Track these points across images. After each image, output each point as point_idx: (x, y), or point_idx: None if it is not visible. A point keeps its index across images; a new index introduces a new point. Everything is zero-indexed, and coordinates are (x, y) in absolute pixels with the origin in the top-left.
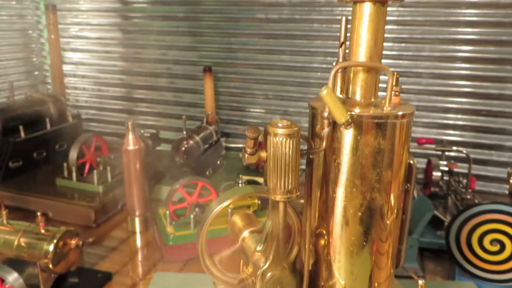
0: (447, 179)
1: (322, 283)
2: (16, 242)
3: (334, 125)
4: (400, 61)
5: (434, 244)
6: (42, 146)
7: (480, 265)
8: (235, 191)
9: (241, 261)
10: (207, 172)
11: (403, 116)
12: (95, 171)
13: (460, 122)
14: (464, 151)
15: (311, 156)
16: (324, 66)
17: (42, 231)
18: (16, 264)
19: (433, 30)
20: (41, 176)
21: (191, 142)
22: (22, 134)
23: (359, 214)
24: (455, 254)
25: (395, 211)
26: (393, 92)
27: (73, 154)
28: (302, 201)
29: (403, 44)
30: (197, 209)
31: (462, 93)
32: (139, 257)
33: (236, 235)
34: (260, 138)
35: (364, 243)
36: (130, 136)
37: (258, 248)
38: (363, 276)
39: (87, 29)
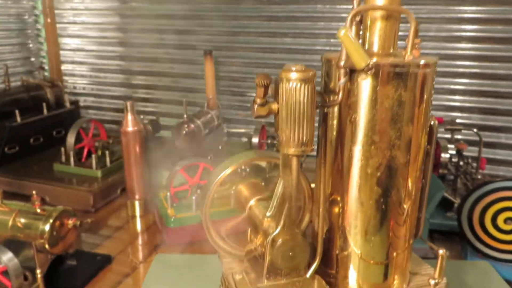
0: (455, 161)
1: (337, 252)
2: (11, 222)
3: (350, 76)
4: None
5: (444, 225)
6: (39, 131)
7: (494, 245)
8: (239, 156)
9: (249, 230)
10: (208, 157)
11: (425, 65)
12: (93, 156)
13: (467, 104)
14: (475, 130)
15: (325, 110)
16: (328, 48)
17: (38, 210)
18: (13, 246)
19: (440, 9)
20: (38, 162)
21: (192, 126)
22: (18, 118)
23: (378, 174)
24: (467, 234)
25: (416, 171)
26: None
27: (70, 139)
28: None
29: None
30: (198, 191)
31: (469, 74)
32: (140, 241)
33: (242, 205)
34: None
35: (383, 207)
36: (129, 117)
37: (268, 214)
38: (381, 244)
39: (84, 14)
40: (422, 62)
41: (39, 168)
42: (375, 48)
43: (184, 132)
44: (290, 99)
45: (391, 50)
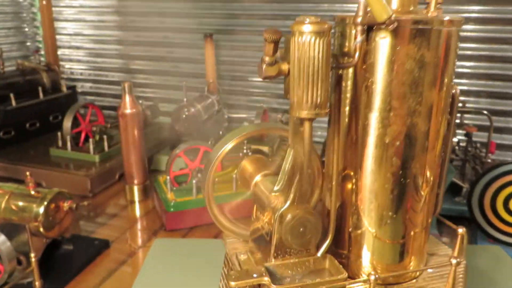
0: (463, 146)
1: (349, 230)
2: (4, 204)
3: (368, 36)
4: None
5: (453, 210)
6: (35, 116)
7: (506, 230)
8: (243, 128)
9: (254, 208)
10: (209, 142)
11: (450, 23)
12: (90, 141)
13: (474, 88)
14: (485, 112)
15: (339, 73)
16: (332, 31)
17: (32, 192)
18: (7, 229)
19: None
20: (34, 147)
21: (192, 109)
22: (13, 102)
23: (397, 144)
24: (478, 219)
25: (438, 142)
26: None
27: (67, 123)
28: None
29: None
30: (199, 175)
31: (477, 57)
32: (139, 226)
33: (247, 182)
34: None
35: (402, 180)
36: (127, 99)
37: (276, 188)
38: (398, 222)
39: None
40: (446, 18)
41: (35, 153)
42: (394, 5)
43: (184, 116)
44: (303, 55)
45: (411, 8)
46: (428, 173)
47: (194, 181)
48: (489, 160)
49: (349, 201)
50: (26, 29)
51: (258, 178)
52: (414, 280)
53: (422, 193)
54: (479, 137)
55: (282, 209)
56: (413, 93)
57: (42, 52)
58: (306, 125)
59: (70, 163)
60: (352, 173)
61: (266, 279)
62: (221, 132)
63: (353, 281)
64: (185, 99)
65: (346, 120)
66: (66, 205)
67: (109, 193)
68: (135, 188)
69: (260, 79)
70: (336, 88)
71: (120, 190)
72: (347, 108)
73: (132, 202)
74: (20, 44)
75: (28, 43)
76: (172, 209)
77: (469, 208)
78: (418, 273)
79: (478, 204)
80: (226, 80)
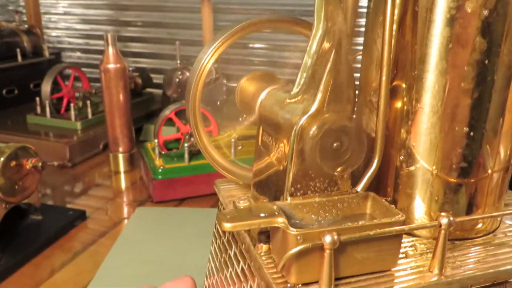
0: None
1: (398, 164)
2: None
3: None
4: None
5: None
6: (13, 82)
7: None
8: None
9: (259, 137)
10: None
11: None
12: (72, 106)
13: None
14: None
15: None
16: None
17: None
18: None
19: None
20: (12, 115)
21: (187, 74)
22: None
23: (484, 13)
24: None
25: None
26: None
27: (46, 86)
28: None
29: None
30: (192, 139)
31: None
32: (124, 199)
33: (250, 106)
34: None
35: (488, 76)
36: (111, 51)
37: (295, 90)
38: (473, 148)
39: None
40: None
41: (11, 121)
42: None
43: (177, 80)
44: None
45: None
46: None
47: (186, 145)
48: None
49: (397, 121)
50: None
51: (263, 95)
52: (491, 235)
53: None
54: None
55: (305, 116)
56: None
57: (25, 19)
58: None
59: (49, 131)
60: (404, 73)
61: (280, 220)
62: (218, 103)
63: (416, 224)
64: (178, 62)
65: None
66: (29, 163)
67: (92, 163)
68: (120, 157)
69: (261, 45)
70: None
71: (105, 161)
72: None
73: (117, 172)
74: (1, 8)
75: (10, 7)
76: (159, 177)
77: None
78: (494, 227)
79: None
80: None
